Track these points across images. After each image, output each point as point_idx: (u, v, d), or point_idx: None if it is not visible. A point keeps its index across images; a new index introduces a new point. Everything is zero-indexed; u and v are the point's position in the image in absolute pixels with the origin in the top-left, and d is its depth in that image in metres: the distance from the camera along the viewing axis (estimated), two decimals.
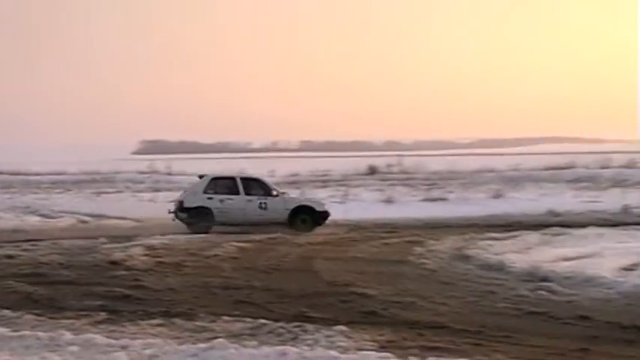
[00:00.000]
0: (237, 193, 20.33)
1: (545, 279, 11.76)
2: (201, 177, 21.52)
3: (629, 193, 31.20)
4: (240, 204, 20.18)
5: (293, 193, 24.67)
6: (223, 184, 20.86)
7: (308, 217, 20.43)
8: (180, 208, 20.34)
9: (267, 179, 23.63)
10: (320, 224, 20.45)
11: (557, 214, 22.84)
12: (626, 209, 23.82)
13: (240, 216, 20.06)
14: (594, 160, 49.12)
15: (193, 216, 20.13)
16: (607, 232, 17.71)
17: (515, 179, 41.29)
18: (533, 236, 17.34)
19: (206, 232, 19.44)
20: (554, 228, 18.66)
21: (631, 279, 11.50)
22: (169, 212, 20.69)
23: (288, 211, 20.34)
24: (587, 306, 10.07)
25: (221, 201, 20.23)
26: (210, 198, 20.24)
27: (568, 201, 27.52)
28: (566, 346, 7.87)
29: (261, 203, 20.18)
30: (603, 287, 11.11)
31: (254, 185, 20.96)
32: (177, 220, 20.47)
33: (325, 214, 20.73)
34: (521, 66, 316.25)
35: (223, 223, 20.05)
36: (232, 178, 21.32)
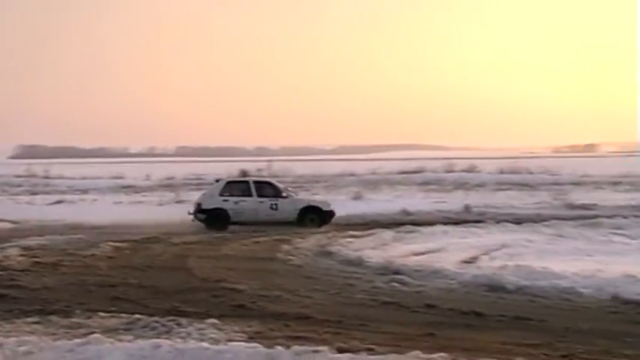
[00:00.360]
0: (250, 195, 20.78)
1: (397, 272, 12.06)
2: (217, 181, 22.16)
3: (469, 195, 32.67)
4: (253, 205, 20.62)
5: (302, 195, 25.38)
6: (237, 187, 21.31)
7: (316, 216, 20.81)
8: (199, 210, 20.74)
9: (278, 182, 23.75)
10: (327, 222, 20.76)
11: (409, 214, 23.41)
12: (467, 208, 24.73)
13: (253, 216, 20.50)
14: (440, 165, 51.02)
15: (211, 216, 20.45)
16: (451, 230, 18.28)
17: (373, 182, 42.24)
18: (388, 234, 17.67)
19: (224, 229, 19.92)
20: (407, 226, 19.09)
21: (470, 270, 12.01)
22: (189, 214, 20.97)
23: (297, 211, 20.75)
24: (434, 295, 10.42)
25: (236, 202, 20.66)
26: (225, 200, 20.70)
27: (418, 202, 28.26)
28: (414, 331, 8.10)
29: (272, 204, 20.64)
30: (447, 278, 11.52)
31: (266, 187, 21.41)
32: (196, 221, 20.75)
33: (331, 213, 21.10)
34: (379, 78, 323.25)
35: (238, 223, 20.30)
36: (246, 182, 21.93)
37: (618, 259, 12.79)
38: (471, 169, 49.32)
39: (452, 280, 11.42)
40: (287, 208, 20.78)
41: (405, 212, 23.66)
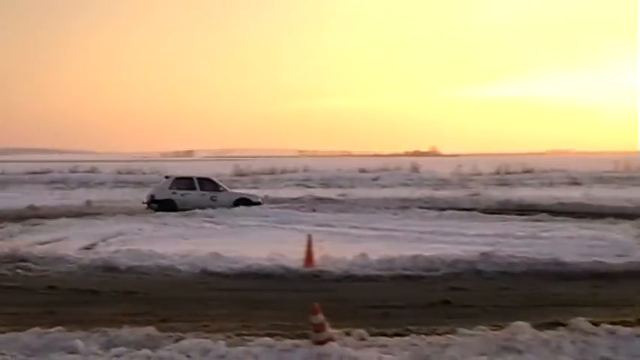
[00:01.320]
0: (194, 189, 21.70)
1: (23, 259, 11.34)
2: (167, 177, 23.12)
3: (91, 191, 31.83)
4: (196, 197, 21.44)
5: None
6: (184, 182, 22.17)
7: (246, 206, 21.31)
8: (152, 200, 21.66)
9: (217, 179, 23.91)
10: None
11: (35, 209, 22.01)
12: (88, 203, 24.16)
13: (197, 205, 20.88)
14: (67, 166, 49.00)
15: (162, 206, 21.09)
16: (74, 222, 17.73)
17: (2, 182, 39.01)
18: (16, 227, 16.50)
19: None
20: (33, 219, 18.02)
21: (89, 255, 11.84)
22: (143, 203, 21.98)
23: (232, 202, 21.42)
24: (55, 278, 10.05)
25: (182, 195, 21.53)
26: (174, 193, 21.64)
27: (45, 198, 26.76)
28: (36, 311, 7.76)
29: (212, 197, 21.48)
30: (68, 263, 11.17)
31: (207, 183, 22.16)
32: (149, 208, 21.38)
33: (258, 204, 21.90)
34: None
35: (184, 209, 20.67)
36: (191, 178, 22.51)
37: (207, 241, 13.61)
38: (92, 170, 48.18)
39: (72, 264, 11.10)
40: (224, 200, 21.45)
41: (32, 207, 22.17)
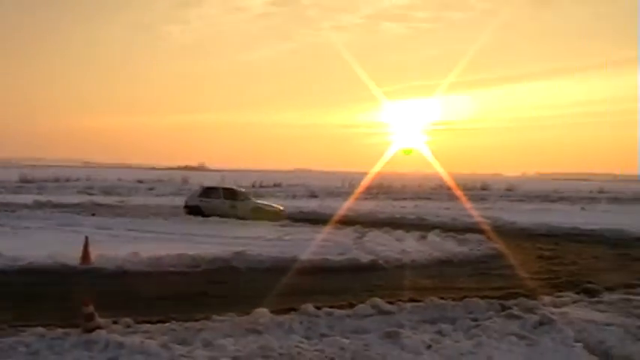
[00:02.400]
0: (219, 198, 20.77)
1: None
2: (201, 187, 22.39)
3: None
4: (219, 205, 20.47)
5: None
6: (211, 191, 21.27)
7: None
8: (185, 206, 21.23)
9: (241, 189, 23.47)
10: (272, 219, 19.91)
11: None
12: None
13: (219, 212, 19.95)
14: None
15: (191, 211, 20.52)
16: None
17: None
18: None
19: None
20: None
21: None
22: (183, 207, 21.21)
23: (249, 210, 20.20)
24: None
25: (207, 202, 20.67)
26: (202, 200, 20.86)
27: None
28: None
29: (231, 205, 20.42)
30: None
31: (229, 193, 21.15)
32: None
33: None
34: None
35: (209, 215, 19.81)
36: (216, 188, 21.70)
37: None
38: None
39: None
40: (243, 208, 20.29)
41: None
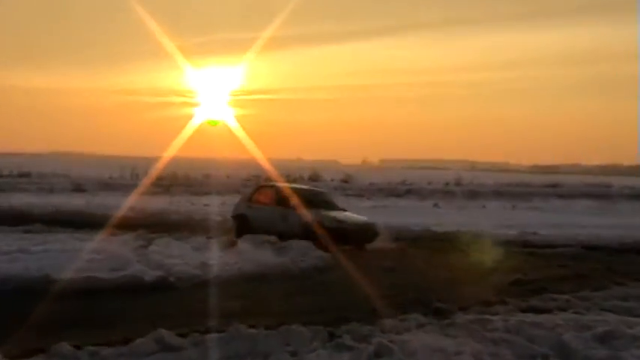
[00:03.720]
0: (274, 203, 18.38)
1: None
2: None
3: None
4: (268, 214, 18.21)
5: None
6: (265, 192, 19.17)
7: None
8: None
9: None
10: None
11: None
12: None
13: (268, 226, 17.80)
14: None
15: (236, 223, 18.99)
16: None
17: None
18: None
19: None
20: None
21: None
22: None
23: (301, 226, 17.38)
24: None
25: (256, 210, 18.70)
26: (249, 207, 19.05)
27: None
28: None
29: (282, 215, 17.94)
30: None
31: (283, 197, 18.29)
32: None
33: (375, 235, 17.98)
34: None
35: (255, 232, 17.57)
36: (272, 186, 19.81)
37: None
38: None
39: None
40: (294, 222, 17.59)
41: None
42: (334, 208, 18.43)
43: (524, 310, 10.25)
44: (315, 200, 18.29)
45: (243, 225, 18.39)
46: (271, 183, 20.89)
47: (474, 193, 45.52)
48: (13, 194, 31.70)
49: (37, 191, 34.77)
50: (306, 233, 16.64)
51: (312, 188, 20.93)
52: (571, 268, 15.31)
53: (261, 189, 19.71)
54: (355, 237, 17.18)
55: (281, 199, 18.14)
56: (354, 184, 51.67)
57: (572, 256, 17.39)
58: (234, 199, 32.75)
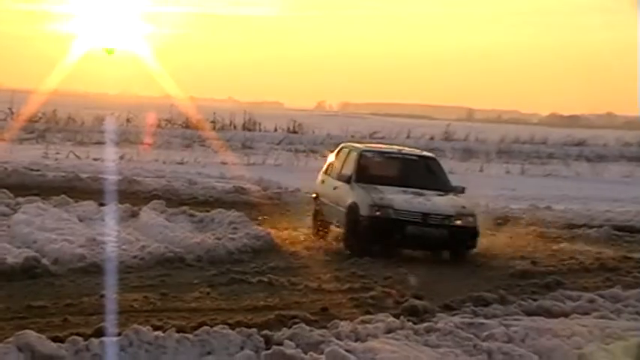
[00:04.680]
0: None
1: None
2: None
3: None
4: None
5: None
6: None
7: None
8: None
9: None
10: None
11: None
12: None
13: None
14: None
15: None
16: None
17: None
18: None
19: None
20: None
21: None
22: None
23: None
24: None
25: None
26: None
27: None
28: None
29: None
30: None
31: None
32: None
33: None
34: None
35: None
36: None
37: None
38: None
39: None
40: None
41: None
42: (439, 185, 16.08)
43: (531, 313, 10.39)
44: (406, 172, 16.36)
45: (316, 212, 16.91)
46: (350, 144, 18.29)
47: (469, 152, 45.46)
48: None
49: None
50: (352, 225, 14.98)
51: (410, 153, 17.69)
52: (596, 256, 15.46)
53: (339, 153, 17.37)
54: (424, 238, 14.81)
55: (343, 169, 16.27)
56: (305, 135, 51.22)
57: (598, 239, 17.62)
58: (137, 152, 32.54)
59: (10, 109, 45.25)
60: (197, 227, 15.15)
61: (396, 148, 18.37)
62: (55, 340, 7.47)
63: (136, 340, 7.65)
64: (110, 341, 7.58)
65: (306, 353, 7.55)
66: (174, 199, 18.86)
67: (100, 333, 7.92)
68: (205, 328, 8.10)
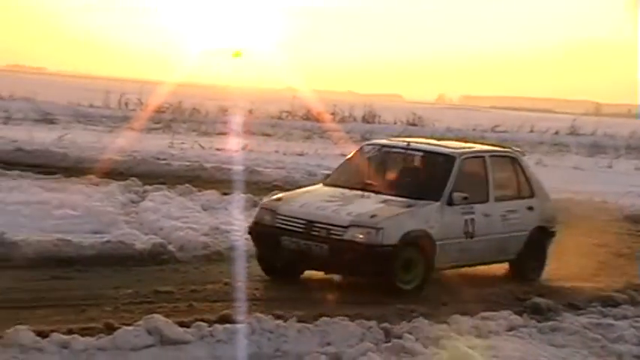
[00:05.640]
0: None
1: None
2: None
3: None
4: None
5: None
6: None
7: None
8: None
9: None
10: None
11: None
12: None
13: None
14: None
15: None
16: None
17: None
18: None
19: None
20: None
21: None
22: None
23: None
24: None
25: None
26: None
27: None
28: None
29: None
30: None
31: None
32: None
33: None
34: None
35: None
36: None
37: None
38: None
39: None
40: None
41: None
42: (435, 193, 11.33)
43: None
44: (392, 173, 12.33)
45: None
46: (375, 141, 14.11)
47: (596, 147, 44.60)
48: None
49: None
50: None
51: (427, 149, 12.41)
52: None
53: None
54: (302, 254, 10.80)
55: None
56: (424, 128, 50.88)
57: None
58: (258, 142, 32.74)
59: (139, 99, 46.33)
60: None
61: (426, 141, 13.18)
62: (181, 325, 7.69)
63: (258, 328, 7.83)
64: (234, 328, 7.77)
65: (426, 347, 7.57)
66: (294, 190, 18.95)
67: (224, 320, 8.11)
68: (325, 318, 8.21)
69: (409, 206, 10.80)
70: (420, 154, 12.10)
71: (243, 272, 10.86)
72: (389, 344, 7.66)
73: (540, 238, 12.20)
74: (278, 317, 8.20)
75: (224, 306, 8.95)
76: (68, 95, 51.05)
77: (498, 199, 11.74)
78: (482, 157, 12.05)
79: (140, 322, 7.52)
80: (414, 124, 51.81)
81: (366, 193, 11.18)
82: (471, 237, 11.15)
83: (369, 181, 11.58)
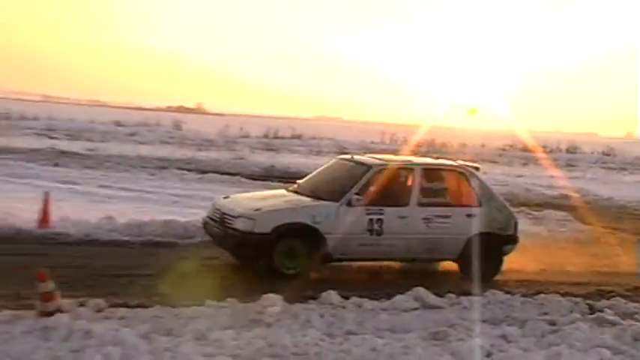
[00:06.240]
0: None
1: None
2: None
3: None
4: None
5: None
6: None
7: None
8: None
9: None
10: None
11: None
12: None
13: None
14: None
15: None
16: None
17: None
18: None
19: None
20: None
21: None
22: None
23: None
24: None
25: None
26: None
27: None
28: None
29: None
30: None
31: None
32: None
33: None
34: None
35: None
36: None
37: None
38: None
39: None
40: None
41: None
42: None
43: None
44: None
45: None
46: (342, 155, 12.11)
47: None
48: (287, 154, 33.77)
49: (307, 153, 36.67)
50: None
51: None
52: None
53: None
54: (215, 237, 9.74)
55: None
56: (616, 157, 48.23)
57: None
58: (489, 168, 32.38)
59: (404, 137, 46.74)
60: (534, 222, 14.71)
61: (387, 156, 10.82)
62: (436, 295, 7.68)
63: (492, 299, 7.74)
64: (475, 299, 7.70)
65: (623, 320, 7.13)
66: (514, 202, 18.37)
67: (465, 293, 7.98)
68: (542, 295, 8.00)
69: (305, 206, 9.30)
70: (352, 164, 10.26)
71: None
72: (593, 316, 7.28)
73: (490, 243, 9.62)
74: (507, 292, 8.08)
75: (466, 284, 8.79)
76: (357, 135, 52.66)
77: (423, 205, 9.61)
78: (411, 168, 9.94)
79: (409, 292, 7.62)
80: (607, 154, 49.39)
81: (297, 197, 9.71)
82: (378, 234, 9.32)
83: (314, 187, 9.95)
